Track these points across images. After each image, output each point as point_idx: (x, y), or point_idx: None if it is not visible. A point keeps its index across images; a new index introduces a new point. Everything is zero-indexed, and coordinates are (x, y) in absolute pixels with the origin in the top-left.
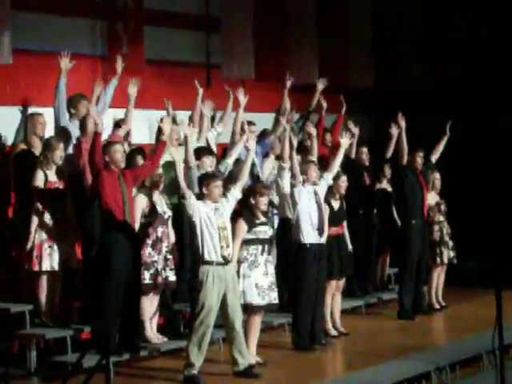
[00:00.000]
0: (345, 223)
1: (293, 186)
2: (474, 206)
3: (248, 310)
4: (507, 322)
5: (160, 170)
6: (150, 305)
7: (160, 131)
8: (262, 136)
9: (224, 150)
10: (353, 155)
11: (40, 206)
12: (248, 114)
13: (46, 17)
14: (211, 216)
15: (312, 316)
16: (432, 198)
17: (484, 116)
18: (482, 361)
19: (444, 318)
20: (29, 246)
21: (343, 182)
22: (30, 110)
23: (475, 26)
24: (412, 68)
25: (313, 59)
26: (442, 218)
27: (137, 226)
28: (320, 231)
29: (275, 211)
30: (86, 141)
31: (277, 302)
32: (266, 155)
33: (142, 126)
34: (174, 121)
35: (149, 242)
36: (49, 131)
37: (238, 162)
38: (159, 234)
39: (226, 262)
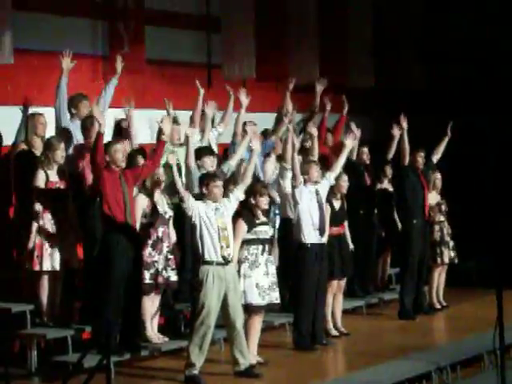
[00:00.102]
0: (346, 223)
1: (294, 186)
2: (474, 206)
3: (248, 310)
4: (508, 322)
5: (161, 170)
6: (151, 305)
7: (160, 131)
8: (264, 136)
9: (225, 150)
10: (354, 156)
11: (41, 206)
12: (249, 114)
13: (47, 17)
14: (211, 216)
15: (313, 316)
16: (433, 197)
17: (484, 116)
18: (483, 361)
19: (445, 317)
20: (30, 245)
21: (344, 181)
22: (31, 110)
23: (475, 26)
24: (412, 68)
25: (313, 59)
26: (442, 218)
27: (137, 226)
28: (321, 231)
29: (277, 211)
30: (88, 143)
31: (278, 301)
32: (267, 155)
33: (143, 126)
34: (175, 121)
35: (149, 241)
36: (50, 131)
37: (241, 163)
38: (160, 234)
39: (226, 262)
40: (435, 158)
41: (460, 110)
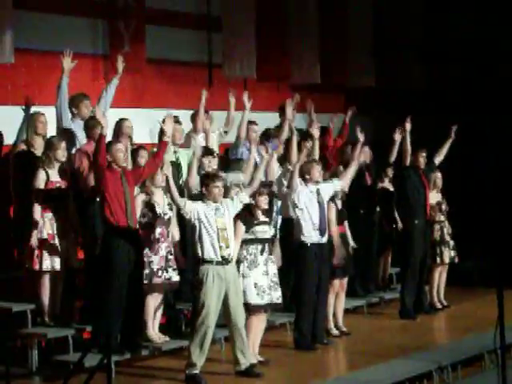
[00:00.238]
0: (346, 222)
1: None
2: (474, 206)
3: (247, 309)
4: (509, 322)
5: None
6: (153, 304)
7: (162, 131)
8: (265, 136)
9: (226, 151)
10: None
11: (42, 206)
12: (250, 114)
13: (48, 16)
14: (211, 216)
15: (314, 315)
16: (433, 197)
17: (484, 116)
18: (484, 360)
19: (446, 317)
20: (33, 242)
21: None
22: (32, 110)
23: (475, 26)
24: (412, 68)
25: (314, 59)
26: (442, 218)
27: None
28: (321, 231)
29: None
30: (90, 143)
31: (280, 301)
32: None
33: (143, 126)
34: (177, 120)
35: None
36: (51, 130)
37: (241, 163)
38: (157, 235)
39: (226, 261)
40: (437, 160)
41: (460, 110)
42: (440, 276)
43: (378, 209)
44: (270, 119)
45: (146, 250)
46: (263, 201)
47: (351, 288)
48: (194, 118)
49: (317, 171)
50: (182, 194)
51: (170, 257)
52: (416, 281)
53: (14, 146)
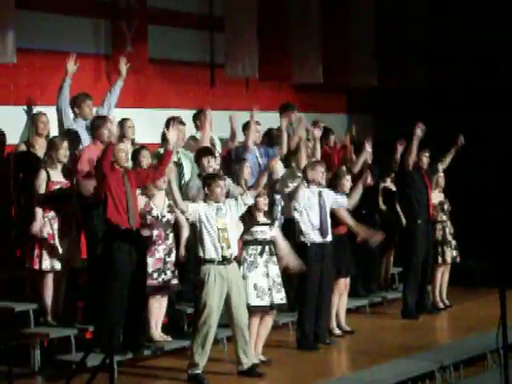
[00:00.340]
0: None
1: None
2: (476, 206)
3: (248, 310)
4: (511, 321)
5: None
6: (157, 306)
7: (166, 140)
8: (268, 136)
9: (228, 152)
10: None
11: (44, 206)
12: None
13: (50, 16)
14: (212, 216)
15: (317, 315)
16: (436, 196)
17: (486, 117)
18: (486, 360)
19: (448, 317)
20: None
21: (347, 180)
22: (34, 110)
23: (478, 27)
24: (414, 69)
25: (316, 59)
26: (444, 218)
27: None
28: (322, 232)
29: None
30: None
31: (284, 302)
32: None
33: (145, 126)
34: (180, 121)
35: None
36: (54, 131)
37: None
38: (154, 237)
39: (227, 261)
40: (441, 167)
41: (462, 111)
42: (443, 276)
43: (383, 207)
44: (271, 119)
45: None
46: (263, 202)
47: (353, 288)
48: (195, 118)
49: (320, 173)
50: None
51: (168, 259)
52: (418, 281)
53: (17, 146)
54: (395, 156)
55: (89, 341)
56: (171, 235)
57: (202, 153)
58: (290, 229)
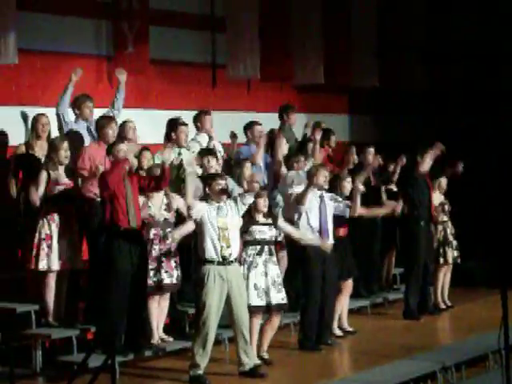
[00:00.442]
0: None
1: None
2: (477, 207)
3: (249, 311)
4: None
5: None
6: (157, 306)
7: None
8: (270, 136)
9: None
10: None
11: (46, 206)
12: (253, 114)
13: (52, 17)
14: (213, 216)
15: (320, 315)
16: (437, 197)
17: (486, 117)
18: (488, 361)
19: (450, 317)
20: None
21: (348, 182)
22: (35, 111)
23: (478, 27)
24: (415, 69)
25: (317, 59)
26: (445, 218)
27: None
28: (321, 234)
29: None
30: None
31: (285, 302)
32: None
33: (146, 126)
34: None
35: None
36: (54, 131)
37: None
38: (151, 237)
39: (227, 261)
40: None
41: (462, 111)
42: (444, 276)
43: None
44: (273, 119)
45: None
46: (262, 203)
47: (355, 289)
48: (196, 119)
49: (322, 176)
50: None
51: (165, 258)
52: (420, 282)
53: (17, 147)
54: (395, 168)
55: (90, 342)
56: (170, 235)
57: (202, 153)
58: None
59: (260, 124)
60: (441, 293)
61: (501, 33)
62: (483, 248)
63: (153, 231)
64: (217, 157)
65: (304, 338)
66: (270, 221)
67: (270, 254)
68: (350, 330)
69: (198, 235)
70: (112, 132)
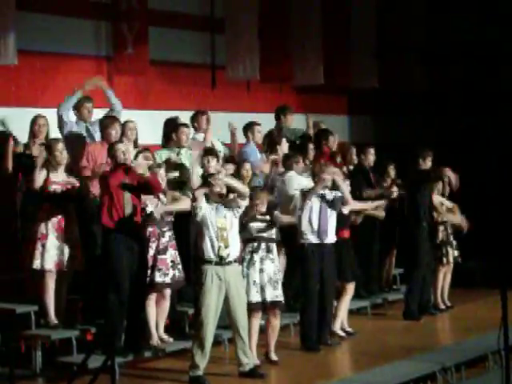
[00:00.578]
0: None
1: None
2: (477, 207)
3: (249, 308)
4: None
5: (162, 171)
6: (153, 305)
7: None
8: (268, 138)
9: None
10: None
11: (46, 205)
12: (252, 115)
13: (51, 18)
14: (212, 216)
15: (319, 316)
16: (436, 197)
17: (486, 117)
18: (488, 361)
19: (449, 318)
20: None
21: (347, 186)
22: (35, 111)
23: (477, 27)
24: (414, 70)
25: (317, 60)
26: (445, 218)
27: None
28: (320, 233)
29: None
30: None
31: (279, 299)
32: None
33: (146, 127)
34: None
35: None
36: (55, 132)
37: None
38: (148, 234)
39: (224, 262)
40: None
41: (462, 112)
42: (444, 277)
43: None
44: (272, 120)
45: None
46: (260, 204)
47: (355, 290)
48: (193, 120)
49: (328, 176)
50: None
51: (160, 257)
52: (421, 282)
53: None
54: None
55: (90, 342)
56: (168, 233)
57: (203, 153)
58: (291, 231)
59: (259, 124)
60: (441, 293)
61: (500, 33)
62: (483, 248)
63: (149, 229)
64: (217, 157)
65: (304, 338)
66: (268, 217)
67: (268, 251)
68: (350, 330)
69: (197, 235)
70: (115, 132)
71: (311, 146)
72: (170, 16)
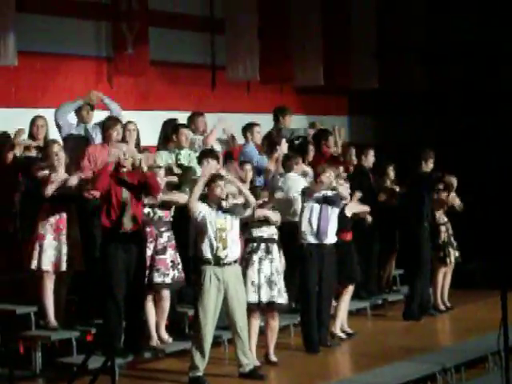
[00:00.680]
0: None
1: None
2: (477, 208)
3: (248, 309)
4: None
5: (162, 172)
6: (152, 306)
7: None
8: (268, 139)
9: (228, 152)
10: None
11: (43, 207)
12: (252, 116)
13: (51, 19)
14: (211, 217)
15: (318, 317)
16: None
17: (486, 117)
18: (488, 362)
19: (449, 319)
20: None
21: (346, 188)
22: (35, 112)
23: (477, 27)
24: (414, 70)
25: (317, 61)
26: (446, 219)
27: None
28: (319, 234)
29: None
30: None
31: (275, 300)
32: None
33: (146, 128)
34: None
35: None
36: (55, 133)
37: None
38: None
39: (222, 263)
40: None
41: (462, 112)
42: (444, 278)
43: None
44: (272, 121)
45: None
46: (259, 204)
47: (354, 290)
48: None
49: (326, 178)
50: None
51: (158, 257)
52: (423, 283)
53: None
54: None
55: (90, 343)
56: (166, 234)
57: (203, 154)
58: (292, 232)
59: (258, 125)
60: (440, 294)
61: (500, 33)
62: (483, 249)
63: (147, 229)
64: (217, 158)
65: (307, 339)
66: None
67: (267, 251)
68: (350, 331)
69: (196, 235)
70: (116, 134)
71: (311, 147)
72: (170, 16)
